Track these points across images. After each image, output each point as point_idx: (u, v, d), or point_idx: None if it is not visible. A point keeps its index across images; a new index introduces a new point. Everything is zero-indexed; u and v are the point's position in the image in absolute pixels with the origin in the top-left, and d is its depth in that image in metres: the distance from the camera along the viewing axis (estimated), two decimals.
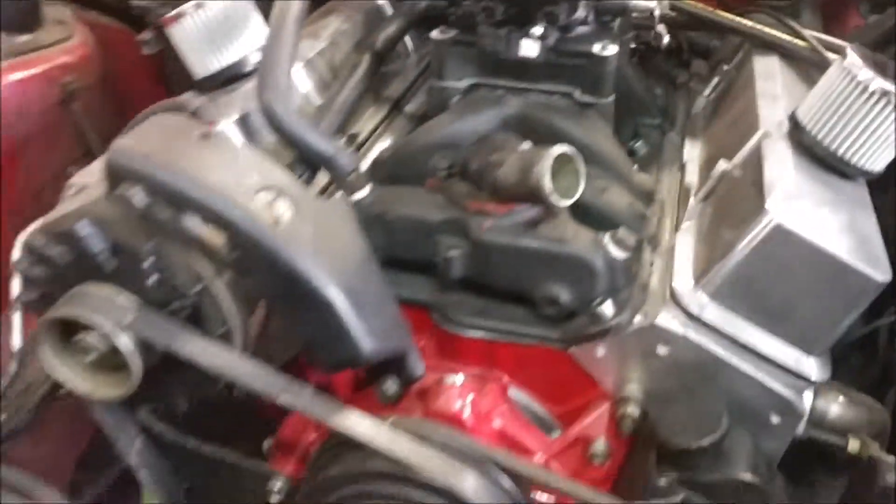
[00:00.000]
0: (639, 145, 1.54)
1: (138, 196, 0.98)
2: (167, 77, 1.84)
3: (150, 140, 1.01)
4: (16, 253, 1.41)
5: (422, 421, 1.12)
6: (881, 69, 1.16)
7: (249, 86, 1.38)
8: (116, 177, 0.98)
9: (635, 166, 1.43)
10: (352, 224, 1.10)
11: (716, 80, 1.58)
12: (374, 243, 1.19)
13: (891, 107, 1.14)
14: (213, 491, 1.04)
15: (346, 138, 1.45)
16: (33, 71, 1.51)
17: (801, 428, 1.20)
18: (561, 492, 1.08)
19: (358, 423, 1.04)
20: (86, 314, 1.01)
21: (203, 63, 1.39)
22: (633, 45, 1.69)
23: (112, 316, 1.01)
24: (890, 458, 1.17)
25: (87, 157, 1.62)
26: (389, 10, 1.71)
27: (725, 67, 1.58)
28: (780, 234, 1.10)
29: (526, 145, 1.20)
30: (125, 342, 1.01)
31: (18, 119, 1.49)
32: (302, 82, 1.45)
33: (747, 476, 1.10)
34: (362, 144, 1.47)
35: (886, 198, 1.29)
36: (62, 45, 1.58)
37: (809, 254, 1.10)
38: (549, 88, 1.38)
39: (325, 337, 1.03)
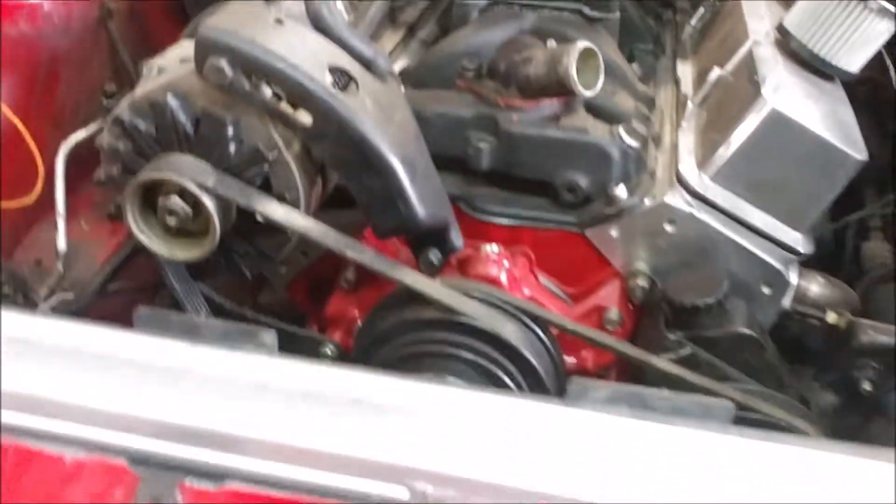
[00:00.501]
0: (634, 67, 1.71)
1: (225, 67, 1.12)
2: (184, 11, 1.96)
3: (233, 20, 1.15)
4: (59, 163, 1.54)
5: (466, 280, 1.28)
6: None
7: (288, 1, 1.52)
8: (205, 50, 1.12)
9: None
10: (405, 103, 1.26)
11: (701, 10, 1.77)
12: None
13: (867, 12, 1.33)
14: None
15: None
16: None
17: (787, 300, 1.40)
18: (590, 342, 1.25)
19: (414, 277, 1.19)
20: (173, 175, 1.15)
21: None
22: None
23: (197, 177, 1.15)
24: (865, 321, 1.37)
25: (119, 75, 1.75)
26: None
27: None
28: (775, 118, 1.29)
29: (551, 44, 1.37)
30: (208, 200, 1.15)
31: (62, 34, 1.62)
32: None
33: (746, 330, 1.28)
34: None
35: None
36: None
37: (800, 135, 1.29)
38: (560, 5, 1.55)
39: (386, 201, 1.19)
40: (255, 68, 1.13)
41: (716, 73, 1.45)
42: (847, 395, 1.36)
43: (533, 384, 1.22)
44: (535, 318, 1.23)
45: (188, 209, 1.17)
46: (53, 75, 1.64)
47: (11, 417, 0.78)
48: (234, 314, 1.34)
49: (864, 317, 1.60)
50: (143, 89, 1.21)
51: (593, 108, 1.42)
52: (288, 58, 1.14)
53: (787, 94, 1.31)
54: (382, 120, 1.18)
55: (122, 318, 1.11)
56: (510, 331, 1.19)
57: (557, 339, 1.29)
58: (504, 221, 1.40)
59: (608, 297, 1.38)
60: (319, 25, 1.30)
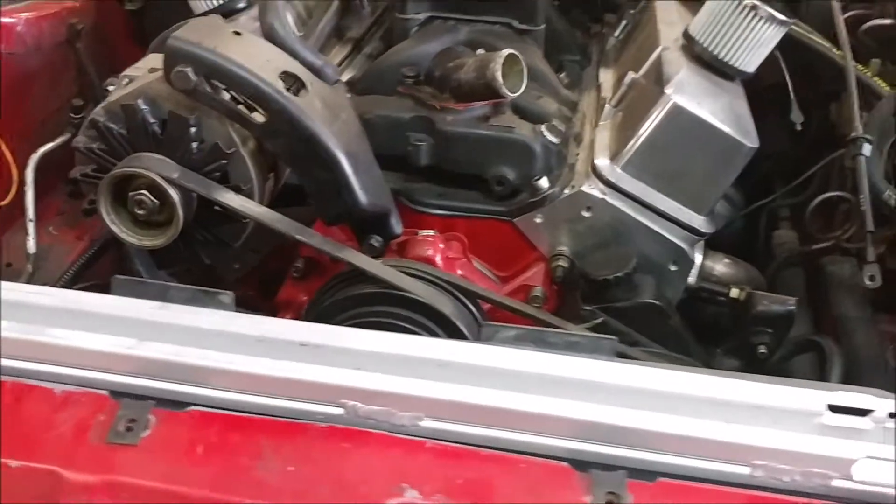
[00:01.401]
0: (562, 76, 1.93)
1: (190, 74, 1.31)
2: (145, 34, 2.15)
3: (197, 33, 1.34)
4: (29, 172, 1.73)
5: (405, 260, 1.47)
6: None
7: (244, 17, 1.72)
8: (173, 59, 1.32)
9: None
10: (349, 105, 1.46)
11: (623, 23, 1.99)
12: None
13: (758, 18, 1.54)
14: None
15: None
16: (47, 11, 1.83)
17: (693, 277, 1.61)
18: (514, 311, 1.44)
19: (358, 258, 1.39)
20: (143, 170, 1.34)
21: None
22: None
23: (163, 172, 1.34)
24: (762, 293, 1.58)
25: (86, 92, 1.93)
26: None
27: (631, 12, 2.00)
28: (676, 112, 1.51)
29: (481, 52, 1.58)
30: (173, 192, 1.34)
31: (33, 52, 1.80)
32: None
33: (652, 300, 1.48)
34: None
35: None
36: None
37: (698, 126, 1.51)
38: (492, 19, 1.77)
39: (332, 190, 1.39)
40: (216, 74, 1.33)
41: (629, 77, 1.67)
42: (746, 359, 1.57)
43: None
44: (466, 293, 1.42)
45: (155, 201, 1.36)
46: (25, 91, 1.82)
47: (16, 363, 0.96)
48: None
49: None
50: (115, 96, 1.40)
51: (520, 110, 1.63)
52: (245, 64, 1.33)
53: (687, 91, 1.52)
54: (329, 119, 1.38)
55: None
56: (443, 303, 1.38)
57: (489, 314, 1.48)
58: (440, 213, 1.60)
59: (533, 277, 1.59)
60: (273, 39, 1.51)
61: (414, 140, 1.58)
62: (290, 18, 1.80)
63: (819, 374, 1.59)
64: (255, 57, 1.36)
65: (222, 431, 0.93)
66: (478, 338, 1.38)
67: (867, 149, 1.53)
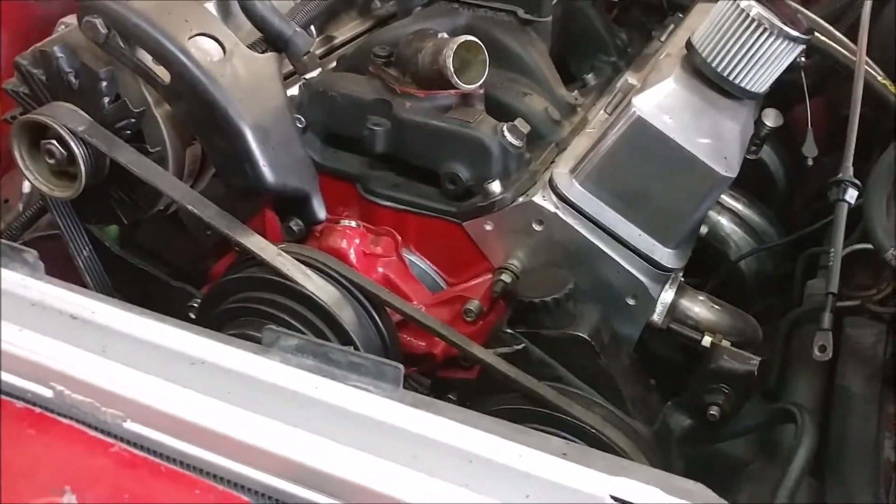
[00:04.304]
0: (590, 77, 1.76)
1: (99, 25, 1.26)
2: None
3: None
4: None
5: (308, 248, 1.36)
6: (772, 3, 1.35)
7: None
8: (84, 9, 1.28)
9: (576, 93, 1.65)
10: (275, 77, 1.37)
11: (671, 26, 1.78)
12: (316, 117, 1.48)
13: (767, 33, 1.32)
14: (144, 302, 1.26)
15: (323, 37, 1.73)
16: None
17: (659, 316, 1.40)
18: (416, 322, 1.30)
19: (252, 240, 1.29)
20: (48, 119, 1.30)
21: None
22: None
23: (68, 123, 1.30)
24: (726, 345, 1.36)
25: None
26: None
27: (680, 15, 1.78)
28: (640, 126, 1.33)
29: (442, 35, 1.44)
30: (76, 145, 1.29)
31: None
32: None
33: (580, 334, 1.30)
34: (337, 46, 1.74)
35: None
36: None
37: (663, 145, 1.32)
38: (497, 6, 1.62)
39: (235, 162, 1.31)
40: (121, 27, 1.27)
41: (628, 81, 1.48)
42: (697, 419, 1.35)
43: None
44: (366, 292, 1.30)
45: (64, 152, 1.32)
46: None
47: None
48: (118, 256, 1.48)
49: (785, 352, 1.58)
50: (43, 42, 1.37)
51: (496, 105, 1.48)
52: (154, 21, 1.26)
53: (661, 104, 1.33)
54: (241, 87, 1.31)
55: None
56: (318, 286, 1.27)
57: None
58: (391, 205, 1.48)
59: (474, 288, 1.45)
60: (242, 3, 1.43)
61: (371, 123, 1.47)
62: None
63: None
64: (172, 16, 1.29)
65: None
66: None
67: (851, 195, 1.28)
